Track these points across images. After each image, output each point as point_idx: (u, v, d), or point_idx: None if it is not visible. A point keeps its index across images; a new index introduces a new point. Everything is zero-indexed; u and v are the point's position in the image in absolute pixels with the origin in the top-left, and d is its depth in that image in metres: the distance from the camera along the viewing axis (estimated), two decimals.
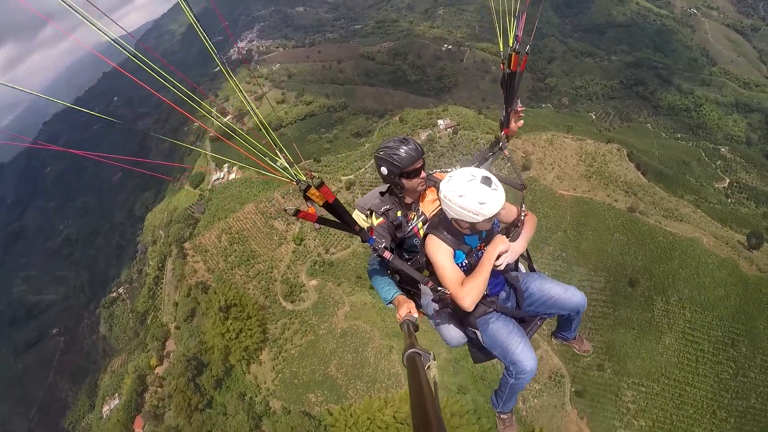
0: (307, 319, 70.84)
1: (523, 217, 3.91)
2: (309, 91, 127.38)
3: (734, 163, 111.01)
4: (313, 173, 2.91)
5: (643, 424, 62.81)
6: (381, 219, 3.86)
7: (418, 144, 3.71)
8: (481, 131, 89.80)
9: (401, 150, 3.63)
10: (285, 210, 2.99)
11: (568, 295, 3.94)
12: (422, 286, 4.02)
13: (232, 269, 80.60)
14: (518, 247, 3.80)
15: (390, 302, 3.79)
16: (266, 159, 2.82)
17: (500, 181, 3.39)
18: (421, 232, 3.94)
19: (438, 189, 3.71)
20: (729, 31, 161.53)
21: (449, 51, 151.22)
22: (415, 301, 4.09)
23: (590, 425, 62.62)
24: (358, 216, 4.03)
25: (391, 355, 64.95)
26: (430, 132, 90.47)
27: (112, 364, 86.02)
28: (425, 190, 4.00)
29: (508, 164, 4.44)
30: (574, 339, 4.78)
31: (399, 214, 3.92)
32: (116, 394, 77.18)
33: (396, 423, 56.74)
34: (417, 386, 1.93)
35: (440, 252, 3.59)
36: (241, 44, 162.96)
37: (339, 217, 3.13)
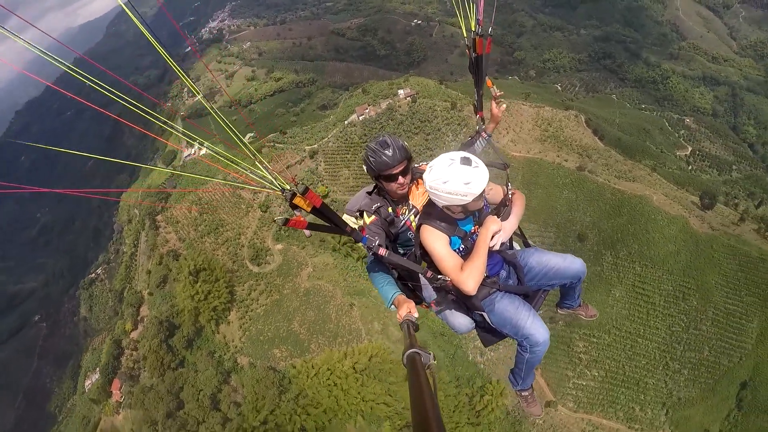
0: (272, 280, 75.22)
1: (510, 196, 4.01)
2: (279, 68, 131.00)
3: (698, 133, 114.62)
4: (296, 180, 3.01)
5: (596, 374, 66.62)
6: (373, 217, 3.91)
7: (400, 148, 3.74)
8: (439, 99, 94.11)
9: (378, 154, 3.69)
10: (275, 221, 3.77)
11: (567, 263, 4.03)
12: (423, 279, 4.11)
13: (201, 237, 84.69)
14: (510, 225, 3.90)
15: (391, 303, 3.82)
16: (247, 172, 2.91)
17: (483, 163, 3.50)
18: (414, 225, 3.99)
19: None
20: (700, 7, 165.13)
21: (419, 26, 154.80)
22: (416, 295, 4.32)
23: (544, 375, 66.40)
24: (348, 219, 4.03)
25: (352, 311, 69.41)
26: (391, 101, 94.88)
27: (93, 343, 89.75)
28: (414, 183, 4.06)
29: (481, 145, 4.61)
30: (579, 306, 4.88)
31: (390, 210, 3.97)
32: (97, 368, 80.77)
33: (355, 373, 61.37)
34: (417, 386, 1.95)
35: (436, 240, 3.65)
36: (212, 24, 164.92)
37: (328, 220, 3.21)
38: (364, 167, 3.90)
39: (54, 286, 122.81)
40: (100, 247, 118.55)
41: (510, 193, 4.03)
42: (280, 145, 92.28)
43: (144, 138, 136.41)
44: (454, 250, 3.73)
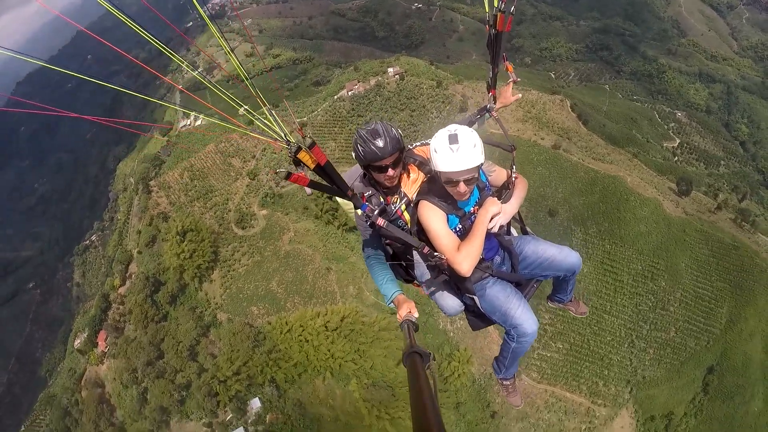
0: (255, 243, 79.71)
1: (513, 179, 3.98)
2: (277, 45, 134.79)
3: (689, 127, 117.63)
4: (304, 133, 3.00)
5: (561, 346, 68.64)
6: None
7: (393, 138, 3.53)
8: (427, 78, 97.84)
9: (368, 143, 3.52)
10: (276, 173, 3.12)
11: (563, 255, 4.05)
12: (416, 257, 4.15)
13: (191, 202, 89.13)
14: (510, 208, 3.89)
15: (390, 301, 3.84)
16: (257, 122, 2.91)
17: (488, 143, 3.54)
18: (406, 215, 3.93)
19: (419, 166, 3.93)
20: (704, 6, 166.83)
21: (419, 10, 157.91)
22: (409, 273, 4.42)
23: None
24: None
25: (329, 275, 73.62)
26: (380, 78, 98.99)
27: (84, 308, 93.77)
28: (405, 171, 3.95)
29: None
30: (570, 301, 4.94)
31: (381, 199, 3.86)
32: (86, 328, 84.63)
33: (326, 331, 65.48)
34: (417, 387, 1.99)
35: (434, 217, 3.63)
36: (215, 0, 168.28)
37: (331, 180, 3.19)
38: (353, 154, 3.73)
39: (49, 254, 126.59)
40: (95, 215, 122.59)
41: (513, 176, 4.00)
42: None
43: (143, 110, 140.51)
44: (452, 230, 3.72)
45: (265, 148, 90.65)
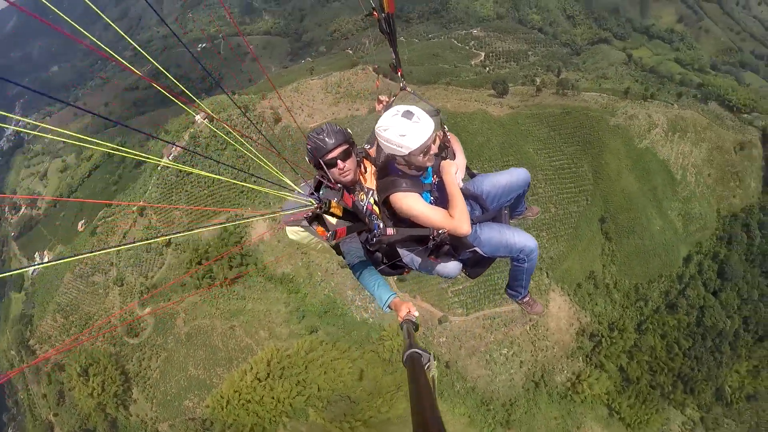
0: (154, 342, 77.76)
1: (448, 137, 4.37)
2: (86, 148, 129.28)
3: (488, 38, 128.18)
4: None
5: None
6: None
7: (336, 132, 3.90)
8: (234, 108, 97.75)
9: (314, 140, 3.83)
10: (327, 239, 3.16)
11: (515, 176, 4.50)
12: (400, 250, 4.35)
13: (77, 339, 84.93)
14: (461, 161, 4.34)
15: (386, 305, 3.93)
16: (294, 197, 3.06)
17: (428, 119, 3.64)
18: (376, 209, 4.17)
19: (367, 157, 4.38)
20: None
21: (205, 49, 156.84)
22: (396, 266, 4.62)
23: (425, 299, 70.17)
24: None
25: (235, 332, 73.68)
26: (192, 130, 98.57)
27: None
28: (362, 167, 4.29)
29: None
30: (526, 209, 5.42)
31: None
32: None
33: (260, 383, 65.69)
34: (417, 387, 2.06)
35: (414, 202, 3.83)
36: (8, 131, 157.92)
37: (356, 216, 3.38)
38: (307, 158, 4.01)
39: None
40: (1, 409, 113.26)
41: (447, 135, 4.36)
42: (111, 218, 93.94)
43: None
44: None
45: (119, 252, 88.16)
